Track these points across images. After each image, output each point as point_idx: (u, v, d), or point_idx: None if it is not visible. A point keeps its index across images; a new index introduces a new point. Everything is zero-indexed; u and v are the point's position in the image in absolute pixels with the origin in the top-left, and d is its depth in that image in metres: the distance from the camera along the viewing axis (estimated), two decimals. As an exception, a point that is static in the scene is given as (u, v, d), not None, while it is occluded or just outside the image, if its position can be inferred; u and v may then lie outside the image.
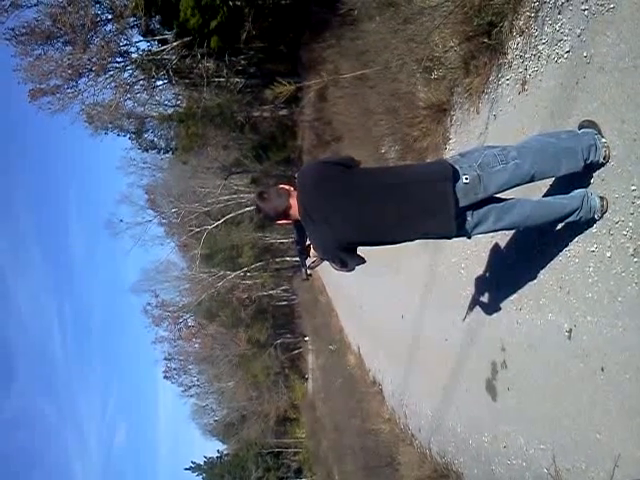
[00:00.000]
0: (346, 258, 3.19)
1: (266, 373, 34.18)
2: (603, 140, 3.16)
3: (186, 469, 41.16)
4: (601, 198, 3.16)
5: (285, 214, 3.19)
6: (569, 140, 3.16)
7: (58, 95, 16.78)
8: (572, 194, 3.21)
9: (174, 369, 37.30)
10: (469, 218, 3.01)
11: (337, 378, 15.99)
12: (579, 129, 3.29)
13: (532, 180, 3.12)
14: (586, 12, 3.49)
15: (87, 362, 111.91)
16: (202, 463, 40.97)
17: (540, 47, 4.07)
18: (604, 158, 3.14)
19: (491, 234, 4.51)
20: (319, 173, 3.21)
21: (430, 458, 6.93)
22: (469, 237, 3.16)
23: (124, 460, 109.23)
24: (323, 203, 3.07)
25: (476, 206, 3.01)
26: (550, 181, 3.60)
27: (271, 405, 34.26)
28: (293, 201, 3.15)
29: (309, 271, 3.62)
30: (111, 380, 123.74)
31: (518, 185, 3.10)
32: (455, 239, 3.17)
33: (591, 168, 3.20)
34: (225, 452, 41.58)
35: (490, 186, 2.98)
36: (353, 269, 3.27)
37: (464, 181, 2.93)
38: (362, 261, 3.25)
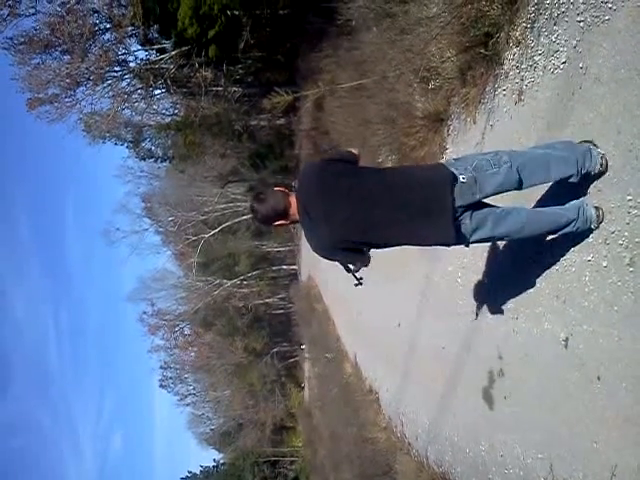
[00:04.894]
0: (346, 258, 3.19)
1: (262, 382, 34.07)
2: (598, 150, 3.18)
3: (182, 479, 40.94)
4: (596, 208, 3.18)
5: (284, 213, 3.17)
6: (563, 150, 3.18)
7: (56, 104, 16.83)
8: (567, 205, 3.23)
9: (170, 378, 37.19)
10: (467, 221, 3.00)
11: (334, 386, 15.92)
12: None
13: (522, 183, 3.12)
14: (582, 24, 3.52)
15: (83, 370, 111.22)
16: (198, 472, 40.71)
17: (536, 58, 4.11)
18: (601, 166, 3.14)
19: (488, 244, 4.54)
20: (321, 170, 3.19)
21: (427, 467, 6.90)
22: (467, 245, 3.16)
23: (119, 469, 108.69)
24: (322, 200, 3.06)
25: (474, 209, 3.03)
26: (545, 191, 3.63)
27: (267, 414, 34.09)
28: (292, 200, 3.15)
29: (358, 275, 3.56)
30: (107, 389, 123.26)
31: (510, 189, 3.13)
32: (453, 247, 3.18)
33: (588, 178, 3.22)
34: (221, 461, 41.31)
35: (485, 187, 3.01)
36: (357, 270, 3.25)
37: (461, 180, 2.96)
38: (365, 261, 3.23)
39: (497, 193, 3.10)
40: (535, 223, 3.19)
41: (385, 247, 3.25)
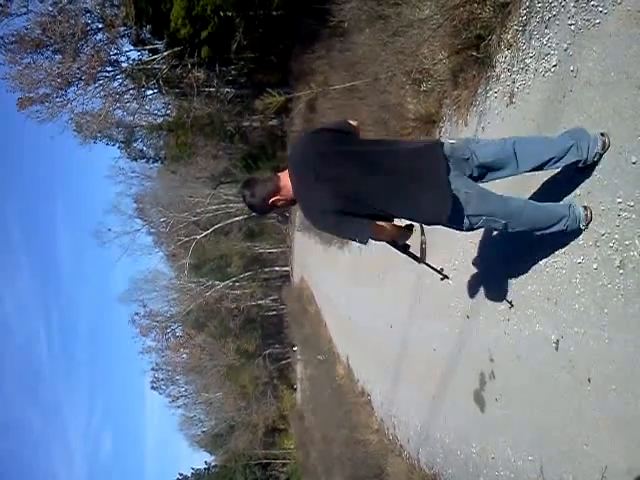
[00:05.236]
0: (345, 223, 2.99)
1: (254, 383, 33.95)
2: (599, 131, 3.16)
3: (173, 481, 40.75)
4: (585, 208, 3.21)
5: (276, 188, 3.06)
6: (560, 136, 3.25)
7: (47, 104, 16.70)
8: (559, 202, 3.31)
9: (161, 379, 36.95)
10: (469, 190, 3.00)
11: (326, 388, 15.90)
12: None
13: (517, 159, 3.12)
14: (573, 27, 3.54)
15: (74, 372, 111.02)
16: (189, 475, 40.54)
17: (528, 61, 4.12)
18: (604, 143, 3.11)
19: (479, 238, 4.54)
20: (311, 140, 3.16)
21: (419, 469, 6.91)
22: (461, 228, 3.10)
23: (110, 471, 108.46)
24: (314, 166, 2.98)
25: (475, 180, 3.09)
26: (538, 188, 3.67)
27: (259, 416, 33.99)
28: (283, 174, 3.08)
29: (435, 265, 3.40)
30: (98, 390, 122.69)
31: (505, 164, 3.15)
32: (449, 229, 3.15)
33: (590, 166, 3.21)
34: (213, 463, 41.11)
35: (478, 152, 3.08)
36: (365, 241, 3.02)
37: (450, 142, 3.06)
38: (369, 231, 3.04)
39: (491, 164, 3.13)
40: (532, 213, 3.19)
41: (378, 213, 3.06)
